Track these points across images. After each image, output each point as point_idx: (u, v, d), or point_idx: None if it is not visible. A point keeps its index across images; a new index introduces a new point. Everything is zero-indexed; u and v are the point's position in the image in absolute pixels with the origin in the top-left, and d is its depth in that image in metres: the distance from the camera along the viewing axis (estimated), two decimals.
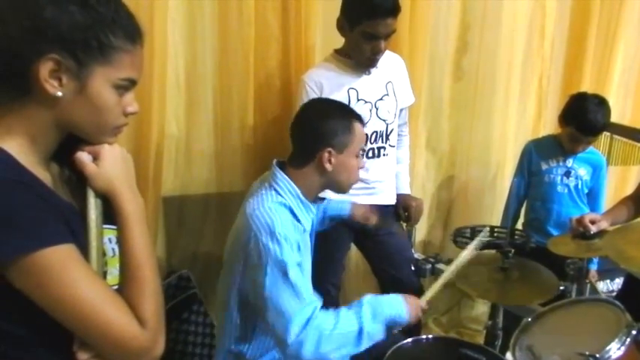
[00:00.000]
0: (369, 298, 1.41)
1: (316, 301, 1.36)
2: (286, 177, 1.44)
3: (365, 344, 1.36)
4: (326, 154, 1.43)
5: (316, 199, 1.54)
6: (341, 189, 1.55)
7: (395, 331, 1.46)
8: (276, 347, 1.46)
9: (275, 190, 1.43)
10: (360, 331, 1.35)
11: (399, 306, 1.42)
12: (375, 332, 1.37)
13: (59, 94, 0.81)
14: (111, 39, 0.83)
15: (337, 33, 1.93)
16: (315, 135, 1.45)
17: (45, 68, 0.79)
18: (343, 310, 1.38)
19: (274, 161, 1.48)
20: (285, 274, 1.31)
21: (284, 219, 1.36)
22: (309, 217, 1.47)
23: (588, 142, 2.22)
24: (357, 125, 1.48)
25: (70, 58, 0.80)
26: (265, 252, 1.32)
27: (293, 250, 1.34)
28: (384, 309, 1.40)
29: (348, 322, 1.35)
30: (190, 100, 2.10)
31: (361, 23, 1.79)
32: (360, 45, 1.84)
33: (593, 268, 2.32)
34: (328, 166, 1.43)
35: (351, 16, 1.82)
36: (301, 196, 1.43)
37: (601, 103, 2.18)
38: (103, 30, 0.82)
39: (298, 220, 1.42)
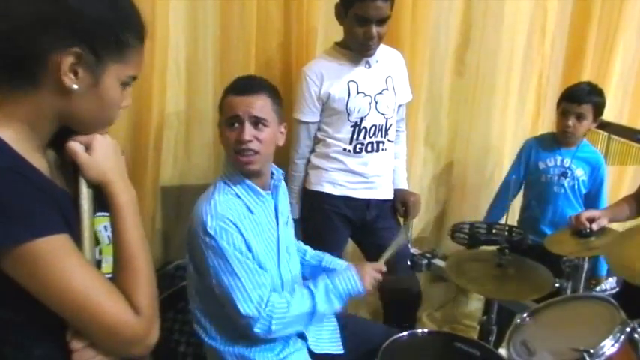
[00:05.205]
0: (322, 277, 1.52)
1: (265, 285, 1.40)
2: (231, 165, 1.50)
3: (317, 321, 1.51)
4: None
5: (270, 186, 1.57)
6: None
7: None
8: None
9: (223, 180, 1.49)
10: (313, 312, 1.46)
11: (352, 279, 1.52)
12: (328, 309, 1.49)
13: (75, 87, 0.81)
14: (127, 36, 0.84)
15: (339, 24, 1.94)
16: None
17: (67, 61, 0.79)
18: (297, 292, 1.47)
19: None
20: (225, 264, 1.37)
21: (223, 211, 1.40)
22: (258, 200, 1.50)
23: (576, 115, 2.19)
24: None
25: (90, 53, 0.81)
26: (204, 246, 1.39)
27: (233, 238, 1.38)
28: (338, 285, 1.50)
29: (302, 304, 1.45)
30: (190, 89, 2.09)
31: (353, 6, 1.83)
32: (354, 30, 1.87)
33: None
34: None
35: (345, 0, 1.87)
36: (248, 182, 1.48)
37: (591, 85, 2.25)
38: (121, 27, 0.83)
39: (247, 206, 1.47)
